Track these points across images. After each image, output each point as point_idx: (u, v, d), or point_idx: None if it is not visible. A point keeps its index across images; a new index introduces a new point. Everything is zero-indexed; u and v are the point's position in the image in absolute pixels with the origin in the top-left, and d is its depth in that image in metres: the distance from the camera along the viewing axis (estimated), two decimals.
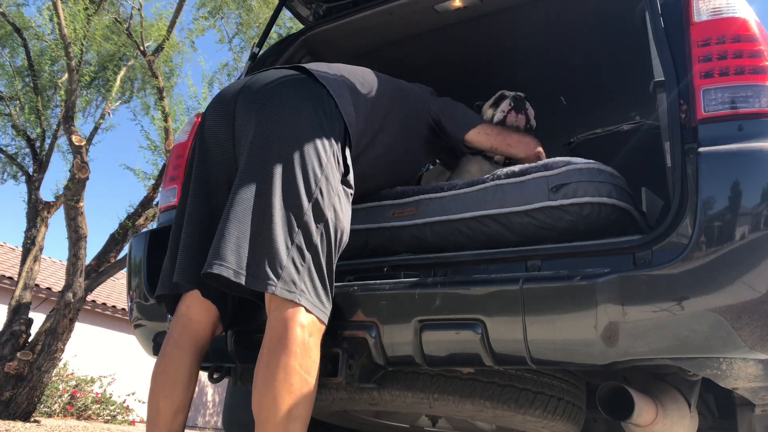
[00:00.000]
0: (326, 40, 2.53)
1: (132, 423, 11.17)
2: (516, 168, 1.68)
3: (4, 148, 8.54)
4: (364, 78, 1.84)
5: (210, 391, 15.82)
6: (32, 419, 6.79)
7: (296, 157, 1.46)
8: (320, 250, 1.44)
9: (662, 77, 1.47)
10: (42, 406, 9.42)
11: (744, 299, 1.21)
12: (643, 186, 1.88)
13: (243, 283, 1.36)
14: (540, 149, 2.01)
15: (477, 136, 2.05)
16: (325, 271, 1.46)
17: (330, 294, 1.47)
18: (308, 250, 1.42)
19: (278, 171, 1.44)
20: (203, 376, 1.86)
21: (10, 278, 11.96)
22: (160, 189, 2.39)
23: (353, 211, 1.83)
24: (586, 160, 1.59)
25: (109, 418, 10.92)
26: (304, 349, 1.35)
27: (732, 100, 1.35)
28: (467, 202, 1.68)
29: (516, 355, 1.39)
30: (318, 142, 1.50)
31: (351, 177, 1.60)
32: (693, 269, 1.24)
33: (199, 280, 1.51)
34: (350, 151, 1.64)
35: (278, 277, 1.36)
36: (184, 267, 1.54)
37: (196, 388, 1.62)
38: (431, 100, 2.09)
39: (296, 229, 1.41)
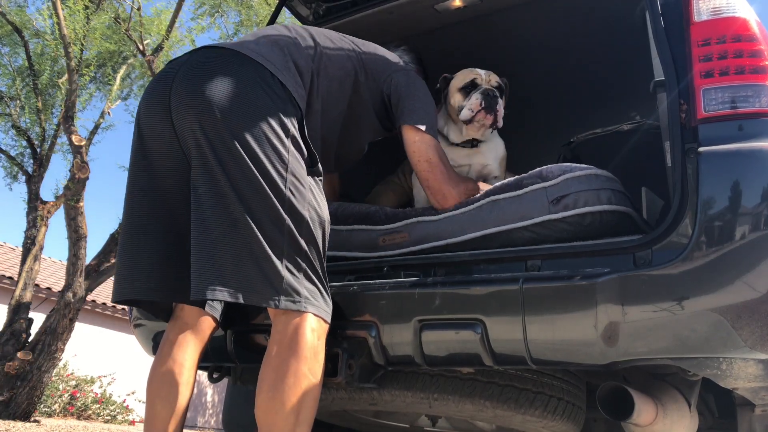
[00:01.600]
0: None
1: (132, 423, 11.17)
2: (510, 180, 1.66)
3: (5, 148, 8.54)
4: (304, 40, 1.67)
5: (210, 391, 15.81)
6: (32, 419, 6.79)
7: (256, 159, 1.37)
8: (310, 252, 1.42)
9: (662, 77, 1.47)
10: (42, 406, 9.41)
11: (744, 299, 1.21)
12: (643, 186, 1.88)
13: (243, 302, 1.33)
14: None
15: (415, 140, 1.72)
16: (320, 271, 1.44)
17: (328, 292, 1.46)
18: (299, 256, 1.39)
19: (242, 177, 1.35)
20: (203, 375, 1.85)
21: (10, 278, 11.95)
22: None
23: (341, 233, 1.79)
24: (582, 166, 1.59)
25: (109, 417, 10.92)
26: (314, 353, 1.35)
27: (732, 100, 1.35)
28: (463, 223, 1.64)
29: (516, 355, 1.39)
30: (274, 136, 1.40)
31: (319, 166, 1.53)
32: (693, 269, 1.24)
33: (179, 293, 1.48)
34: (305, 125, 1.52)
35: (278, 290, 1.34)
36: (159, 283, 1.47)
37: (196, 389, 1.61)
38: (398, 72, 1.83)
39: (280, 237, 1.37)
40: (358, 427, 2.30)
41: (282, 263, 1.35)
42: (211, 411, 15.89)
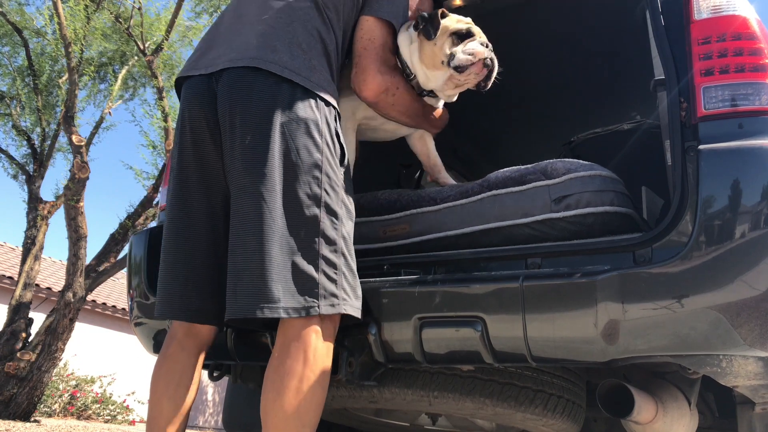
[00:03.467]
0: None
1: (132, 423, 11.18)
2: (514, 173, 1.65)
3: (5, 148, 8.55)
4: (314, 21, 1.59)
5: (210, 391, 15.82)
6: (32, 419, 6.79)
7: (292, 168, 1.39)
8: (345, 249, 1.43)
9: (662, 75, 1.47)
10: (42, 406, 9.42)
11: (743, 297, 1.21)
12: (643, 185, 1.88)
13: (284, 316, 1.32)
14: (371, 96, 1.65)
15: (368, 20, 1.67)
16: (353, 266, 1.45)
17: (359, 287, 1.47)
18: (335, 256, 1.40)
19: (279, 190, 1.38)
20: (203, 374, 1.85)
21: (10, 278, 11.96)
22: (161, 188, 2.38)
23: None
24: (586, 165, 1.58)
25: (109, 417, 10.93)
26: (317, 356, 1.34)
27: (732, 98, 1.35)
28: (464, 216, 1.65)
29: (516, 353, 1.39)
30: (311, 142, 1.43)
31: (346, 158, 1.55)
32: (693, 267, 1.24)
33: (201, 313, 1.49)
34: (339, 120, 1.56)
35: (318, 296, 1.35)
36: (188, 299, 1.49)
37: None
38: None
39: (317, 240, 1.38)
40: (359, 425, 2.30)
41: (319, 268, 1.37)
42: (212, 410, 15.89)
